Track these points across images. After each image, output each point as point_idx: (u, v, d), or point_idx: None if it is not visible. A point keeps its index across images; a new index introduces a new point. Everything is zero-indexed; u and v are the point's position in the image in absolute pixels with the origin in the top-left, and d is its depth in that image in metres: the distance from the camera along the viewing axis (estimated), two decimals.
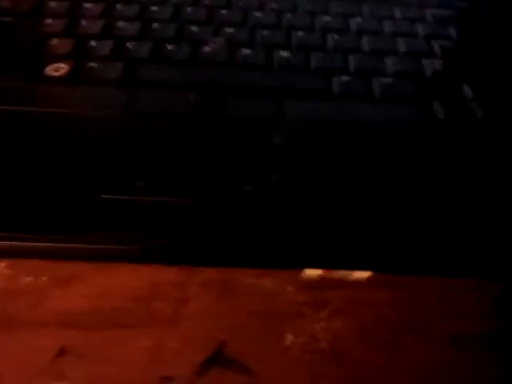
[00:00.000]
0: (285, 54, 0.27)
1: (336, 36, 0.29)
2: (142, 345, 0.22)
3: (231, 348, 0.22)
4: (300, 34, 0.29)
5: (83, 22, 0.29)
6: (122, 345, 0.22)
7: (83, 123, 0.23)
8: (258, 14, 0.31)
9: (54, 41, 0.28)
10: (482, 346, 0.22)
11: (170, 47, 0.28)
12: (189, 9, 0.31)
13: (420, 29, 0.30)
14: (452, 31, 0.30)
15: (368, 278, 0.22)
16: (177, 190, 0.20)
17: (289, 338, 0.22)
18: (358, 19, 0.31)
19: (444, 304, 0.23)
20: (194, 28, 0.29)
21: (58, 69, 0.26)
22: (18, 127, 0.23)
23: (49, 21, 0.29)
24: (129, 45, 0.28)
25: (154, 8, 0.31)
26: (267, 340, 0.22)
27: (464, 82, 0.27)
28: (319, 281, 0.22)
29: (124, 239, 0.19)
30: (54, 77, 0.26)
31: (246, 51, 0.28)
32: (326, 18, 0.30)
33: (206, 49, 0.28)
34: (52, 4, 0.31)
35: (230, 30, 0.29)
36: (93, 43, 0.28)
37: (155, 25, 0.29)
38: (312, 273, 0.21)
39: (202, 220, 0.20)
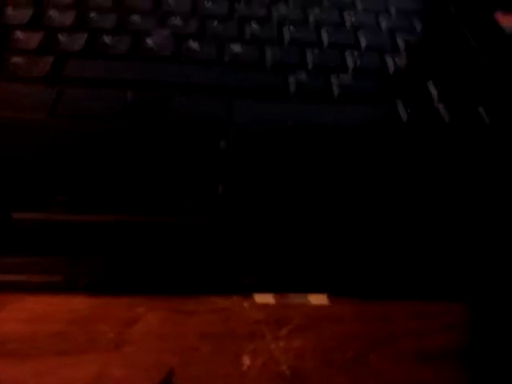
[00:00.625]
0: (236, 48, 0.25)
1: (293, 28, 0.26)
2: (82, 373, 0.19)
3: (182, 375, 0.20)
4: (254, 26, 0.26)
5: (9, 10, 0.26)
6: (60, 374, 0.20)
7: (1, 127, 0.20)
8: (207, 4, 0.28)
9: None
10: (449, 362, 0.20)
11: (107, 39, 0.25)
12: None
13: (383, 22, 0.28)
14: (417, 25, 0.28)
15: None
16: (105, 206, 0.18)
17: (246, 361, 0.20)
18: (317, 10, 0.28)
19: (410, 318, 0.21)
20: (136, 18, 0.26)
21: None
22: None
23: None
24: (61, 37, 0.25)
25: None
26: (222, 364, 0.20)
27: (429, 80, 0.25)
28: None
29: (42, 266, 0.16)
30: None
31: (193, 45, 0.25)
32: (283, 9, 0.28)
33: (149, 41, 0.25)
34: None
35: (176, 20, 0.26)
36: (19, 34, 0.25)
37: (92, 14, 0.26)
38: (263, 299, 0.19)
39: (135, 240, 0.17)
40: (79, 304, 0.21)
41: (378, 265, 0.18)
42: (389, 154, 0.21)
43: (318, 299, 0.20)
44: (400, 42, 0.27)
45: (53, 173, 0.18)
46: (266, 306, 0.21)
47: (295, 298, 0.20)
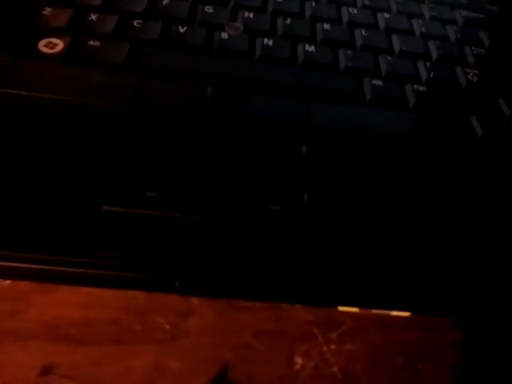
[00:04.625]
0: (310, 48, 0.25)
1: (364, 33, 0.26)
2: (138, 364, 0.20)
3: (236, 370, 0.20)
4: (326, 26, 0.26)
5: None
6: (115, 363, 0.20)
7: (80, 114, 0.20)
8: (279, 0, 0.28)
9: (48, 10, 0.24)
10: None
11: (181, 30, 0.25)
12: None
13: (451, 32, 0.28)
14: (483, 37, 0.28)
15: None
16: (187, 206, 0.18)
17: (298, 361, 0.21)
18: (387, 15, 0.28)
19: (456, 329, 0.22)
20: (209, 8, 0.26)
21: (51, 45, 0.23)
22: None
23: None
24: (135, 23, 0.24)
25: None
26: (275, 363, 0.21)
27: (500, 96, 0.25)
28: None
29: (124, 263, 0.17)
30: (47, 54, 0.22)
31: (267, 41, 0.25)
32: (353, 10, 0.28)
33: (223, 35, 0.25)
34: None
35: (248, 15, 0.26)
36: (93, 17, 0.24)
37: (165, 1, 0.26)
38: (344, 310, 0.20)
39: (217, 241, 0.18)
40: (134, 292, 0.21)
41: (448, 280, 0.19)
42: (463, 169, 0.21)
43: (399, 314, 0.20)
44: (469, 55, 0.27)
45: (139, 167, 0.18)
46: (315, 308, 0.21)
47: (377, 312, 0.20)
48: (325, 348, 0.21)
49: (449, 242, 0.19)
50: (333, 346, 0.21)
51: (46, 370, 0.19)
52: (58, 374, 0.19)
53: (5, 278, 0.19)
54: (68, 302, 0.21)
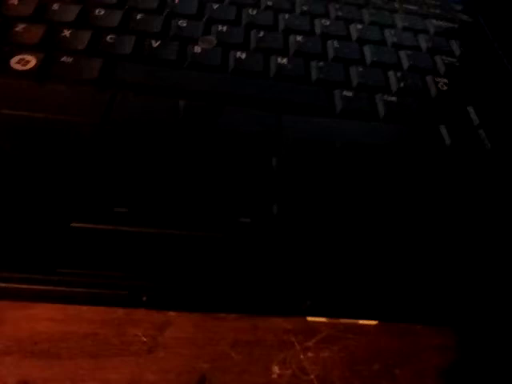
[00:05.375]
0: (283, 60, 0.25)
1: (337, 44, 0.27)
2: (115, 378, 0.20)
3: (214, 381, 0.20)
4: (299, 38, 0.27)
5: (55, 6, 0.26)
6: (92, 377, 0.20)
7: (51, 130, 0.20)
8: (252, 11, 0.28)
9: (21, 26, 0.24)
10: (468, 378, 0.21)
11: (155, 44, 0.25)
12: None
13: (423, 42, 0.29)
14: (454, 46, 0.29)
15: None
16: (159, 219, 0.18)
17: (276, 370, 0.21)
18: (359, 26, 0.29)
19: (431, 334, 0.22)
20: (183, 22, 0.27)
21: (23, 62, 0.23)
22: None
23: (15, 0, 0.26)
24: (109, 38, 0.25)
25: None
26: (253, 372, 0.21)
27: (469, 104, 0.25)
28: None
29: (94, 280, 0.17)
30: (19, 71, 0.23)
31: (240, 54, 0.25)
32: (326, 22, 0.28)
33: (196, 49, 0.25)
34: None
35: (221, 28, 0.27)
36: (66, 33, 0.25)
37: (139, 16, 0.26)
38: (315, 320, 0.20)
39: (187, 254, 0.18)
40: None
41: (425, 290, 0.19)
42: (433, 178, 0.22)
43: (368, 323, 0.20)
44: (439, 63, 0.28)
45: (108, 182, 0.19)
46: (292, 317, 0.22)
47: (347, 321, 0.20)
48: (302, 356, 0.21)
49: (413, 249, 0.19)
50: (310, 354, 0.21)
51: None
52: None
53: None
54: (44, 317, 0.21)
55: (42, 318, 0.21)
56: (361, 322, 0.20)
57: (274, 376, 0.21)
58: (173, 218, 0.18)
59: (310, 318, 0.20)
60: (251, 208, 0.19)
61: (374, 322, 0.20)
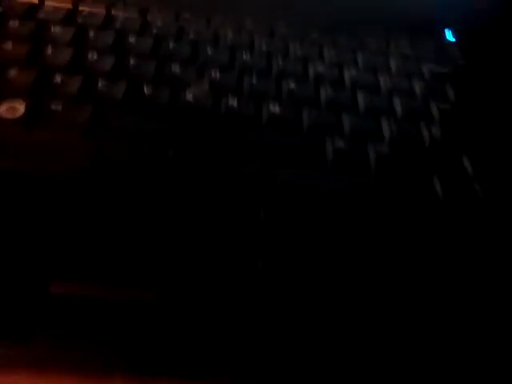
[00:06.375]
0: (275, 108, 0.25)
1: (330, 90, 0.27)
2: None
3: None
4: (292, 85, 0.26)
5: (49, 50, 0.26)
6: None
7: (37, 181, 0.20)
8: (246, 56, 0.28)
9: (12, 71, 0.24)
10: None
11: (147, 90, 0.25)
12: (171, 43, 0.28)
13: (417, 87, 0.28)
14: (449, 92, 0.29)
15: None
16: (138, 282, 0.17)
17: None
18: (353, 71, 0.28)
19: None
20: (176, 67, 0.27)
21: (12, 109, 0.23)
22: None
23: (8, 45, 0.26)
24: (100, 84, 0.25)
25: (131, 39, 0.28)
26: None
27: (464, 154, 0.25)
28: None
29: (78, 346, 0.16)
30: (7, 119, 0.22)
31: (232, 101, 0.25)
32: (320, 68, 0.28)
33: (188, 94, 0.25)
34: (13, 24, 0.27)
35: (214, 72, 0.27)
36: (58, 78, 0.24)
37: (132, 60, 0.26)
38: None
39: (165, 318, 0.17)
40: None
41: None
42: (425, 233, 0.21)
43: None
44: (434, 109, 0.27)
45: (93, 240, 0.18)
46: None
47: None
48: None
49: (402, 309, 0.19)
50: None
51: None
52: None
53: None
54: None
55: None
56: None
57: None
58: (152, 280, 0.18)
59: None
60: (237, 262, 0.18)
61: None
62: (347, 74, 0.28)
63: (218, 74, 0.26)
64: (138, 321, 0.17)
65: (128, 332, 0.17)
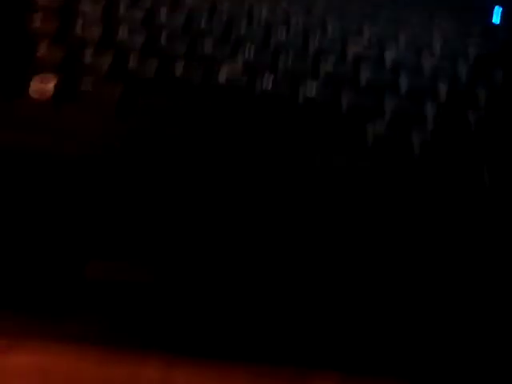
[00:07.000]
0: (311, 87, 0.24)
1: (369, 71, 0.25)
2: None
3: None
4: (329, 63, 0.25)
5: (78, 26, 0.25)
6: None
7: (69, 162, 0.19)
8: (281, 34, 0.27)
9: (42, 48, 0.24)
10: None
11: (179, 68, 0.24)
12: (203, 20, 0.27)
13: (462, 69, 0.27)
14: (496, 75, 0.27)
15: None
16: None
17: None
18: (394, 51, 0.27)
19: None
20: (209, 45, 0.25)
21: (42, 87, 0.22)
22: None
23: (38, 20, 0.25)
24: (131, 61, 0.24)
25: (163, 15, 0.27)
26: None
27: (510, 139, 0.23)
28: None
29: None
30: (37, 95, 0.22)
31: (267, 80, 0.24)
32: (358, 47, 0.27)
33: (221, 73, 0.24)
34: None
35: (248, 51, 0.25)
36: (88, 55, 0.24)
37: (163, 37, 0.25)
38: None
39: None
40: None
41: None
42: (470, 218, 0.20)
43: None
44: (480, 96, 0.26)
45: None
46: None
47: None
48: None
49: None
50: None
51: None
52: None
53: None
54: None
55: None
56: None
57: None
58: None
59: None
60: None
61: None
62: (388, 56, 0.27)
63: (252, 53, 0.25)
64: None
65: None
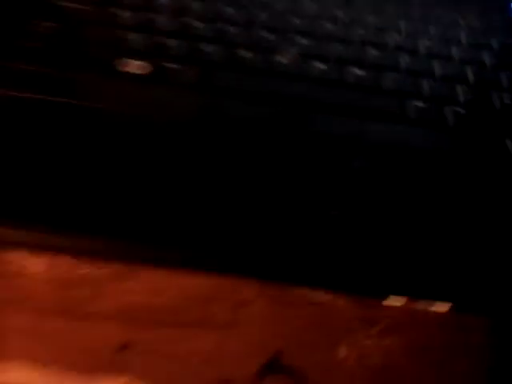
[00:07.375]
0: (358, 72, 0.28)
1: (407, 58, 0.29)
2: (201, 345, 0.23)
3: (288, 356, 0.23)
4: (373, 51, 0.29)
5: (158, 18, 0.30)
6: (182, 343, 0.23)
7: (159, 128, 0.24)
8: (329, 26, 0.31)
9: (131, 35, 0.28)
10: None
11: (242, 53, 0.28)
12: (262, 14, 0.31)
13: (487, 57, 0.31)
14: None
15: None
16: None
17: (343, 350, 0.23)
18: (426, 42, 0.31)
19: (491, 330, 0.24)
20: (266, 35, 0.30)
21: (135, 66, 0.27)
22: (83, 124, 0.24)
23: (125, 13, 0.29)
24: (204, 48, 0.28)
25: (227, 9, 0.31)
26: (322, 351, 0.23)
27: None
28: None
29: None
30: (131, 74, 0.26)
31: (319, 65, 0.28)
32: (396, 37, 0.31)
33: (279, 58, 0.28)
34: None
35: (302, 40, 0.30)
36: (170, 42, 0.28)
37: (228, 27, 0.30)
38: (395, 301, 0.22)
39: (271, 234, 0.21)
40: (197, 283, 0.24)
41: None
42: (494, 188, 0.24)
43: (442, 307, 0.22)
44: (503, 79, 0.29)
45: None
46: (357, 305, 0.24)
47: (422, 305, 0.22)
48: (366, 342, 0.24)
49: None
50: (373, 341, 0.24)
51: (124, 346, 0.22)
52: (134, 351, 0.22)
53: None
54: (138, 290, 0.24)
55: (136, 291, 0.24)
56: (432, 308, 0.22)
57: (342, 355, 0.23)
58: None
59: (385, 302, 0.22)
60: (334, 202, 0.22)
61: (445, 308, 0.22)
62: (422, 45, 0.31)
63: (304, 42, 0.29)
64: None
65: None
